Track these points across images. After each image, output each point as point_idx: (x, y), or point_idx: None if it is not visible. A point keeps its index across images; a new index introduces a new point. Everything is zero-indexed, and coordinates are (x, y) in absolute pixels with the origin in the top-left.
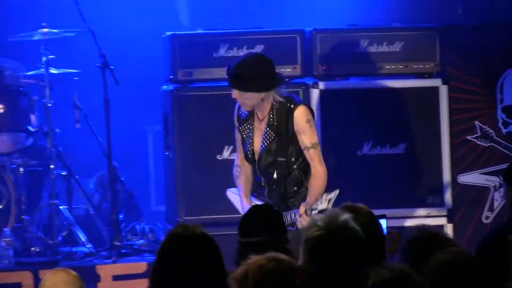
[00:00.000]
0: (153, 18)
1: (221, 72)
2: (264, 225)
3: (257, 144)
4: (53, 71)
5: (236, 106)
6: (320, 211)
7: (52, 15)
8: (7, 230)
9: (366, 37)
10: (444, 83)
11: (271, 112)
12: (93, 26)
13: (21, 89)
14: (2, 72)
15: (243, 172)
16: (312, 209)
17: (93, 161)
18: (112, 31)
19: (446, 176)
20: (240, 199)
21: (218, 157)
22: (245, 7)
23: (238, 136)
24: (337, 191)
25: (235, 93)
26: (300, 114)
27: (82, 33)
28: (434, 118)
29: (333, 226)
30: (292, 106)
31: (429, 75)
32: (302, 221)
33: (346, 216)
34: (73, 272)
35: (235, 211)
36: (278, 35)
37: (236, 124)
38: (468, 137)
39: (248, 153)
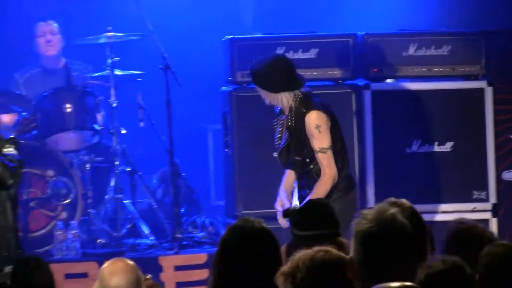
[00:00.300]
0: (213, 22)
1: None
2: (320, 219)
3: (280, 139)
4: (118, 72)
5: None
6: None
7: (117, 19)
8: (74, 223)
9: (415, 41)
10: (489, 85)
11: (289, 113)
12: (156, 30)
13: (88, 89)
14: (69, 73)
15: None
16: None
17: (156, 158)
18: (174, 35)
19: (491, 173)
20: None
21: (274, 154)
22: (300, 11)
23: None
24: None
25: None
26: (310, 120)
27: (145, 36)
28: (479, 118)
29: (382, 219)
30: (305, 110)
31: (475, 77)
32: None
33: (394, 210)
34: (130, 262)
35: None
36: (332, 39)
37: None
38: (511, 136)
39: (275, 145)
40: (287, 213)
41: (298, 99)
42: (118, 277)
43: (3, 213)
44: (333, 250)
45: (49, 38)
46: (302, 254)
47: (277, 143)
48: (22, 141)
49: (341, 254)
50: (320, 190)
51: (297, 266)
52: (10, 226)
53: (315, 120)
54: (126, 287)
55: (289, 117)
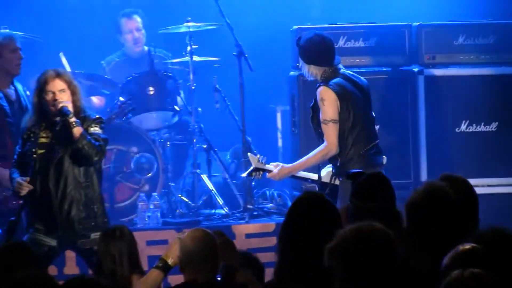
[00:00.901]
0: (281, 13)
1: (356, 60)
2: (381, 191)
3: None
4: (196, 58)
5: None
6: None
7: (196, 10)
8: (155, 195)
9: (464, 31)
10: None
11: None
12: (230, 20)
13: (169, 74)
14: (152, 60)
15: None
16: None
17: (230, 136)
18: (246, 25)
19: None
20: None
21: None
22: (359, 2)
23: None
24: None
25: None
26: (318, 93)
27: (221, 26)
28: None
29: (430, 192)
30: (318, 85)
31: None
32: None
33: (442, 184)
34: (207, 231)
35: None
36: (389, 29)
37: None
38: None
39: None
40: (350, 175)
41: (324, 75)
42: (197, 241)
43: (90, 186)
44: (376, 224)
45: (136, 36)
46: (347, 229)
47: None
48: (113, 115)
49: (383, 227)
50: (313, 155)
51: (342, 241)
52: (96, 197)
53: (320, 94)
54: (203, 250)
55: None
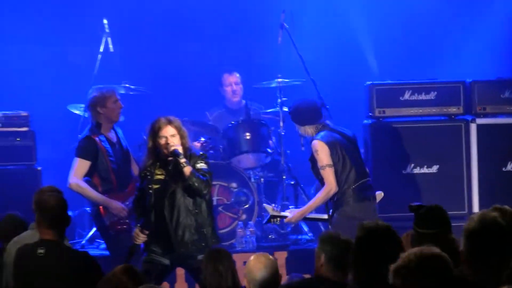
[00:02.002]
0: (355, 69)
1: (407, 111)
2: (439, 221)
3: None
4: (285, 109)
5: None
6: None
7: (285, 68)
8: (251, 223)
9: (510, 86)
10: None
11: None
12: (314, 76)
13: (262, 122)
14: (248, 110)
15: None
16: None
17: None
18: (327, 80)
19: None
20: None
21: (403, 171)
22: (418, 60)
23: None
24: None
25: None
26: (312, 146)
27: (306, 81)
28: None
29: (485, 220)
30: (311, 140)
31: None
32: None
33: (495, 213)
34: (270, 257)
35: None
36: (446, 85)
37: None
38: None
39: None
40: (413, 207)
41: (316, 131)
42: (262, 270)
43: (199, 213)
44: (434, 248)
45: (235, 89)
46: (408, 252)
47: None
48: (212, 161)
49: (440, 251)
50: (317, 197)
51: (405, 263)
52: (205, 222)
53: (314, 147)
54: (270, 276)
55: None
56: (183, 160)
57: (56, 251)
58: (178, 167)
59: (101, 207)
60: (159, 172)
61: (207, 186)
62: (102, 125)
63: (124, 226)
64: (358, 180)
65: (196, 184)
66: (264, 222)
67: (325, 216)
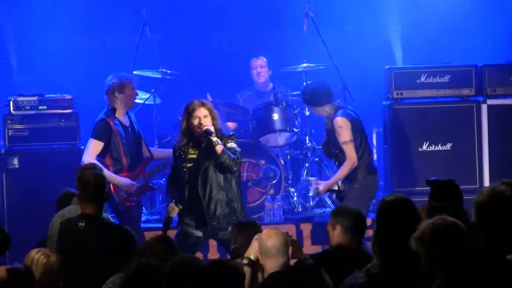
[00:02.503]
0: (374, 55)
1: (422, 93)
2: (452, 194)
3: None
4: None
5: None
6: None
7: (310, 54)
8: (279, 197)
9: None
10: None
11: (328, 119)
12: (336, 61)
13: (289, 103)
14: (276, 93)
15: None
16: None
17: None
18: (349, 64)
19: None
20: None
21: (419, 148)
22: (432, 45)
23: None
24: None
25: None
26: (335, 123)
27: (329, 66)
28: None
29: (494, 193)
30: (334, 116)
31: None
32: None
33: (504, 187)
34: (281, 230)
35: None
36: (459, 68)
37: None
38: None
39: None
40: (429, 182)
41: (334, 109)
42: (272, 239)
43: (230, 188)
44: (448, 217)
45: (259, 71)
46: (425, 222)
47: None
48: (242, 139)
49: (454, 219)
50: (343, 170)
51: (423, 232)
52: (235, 197)
53: (338, 123)
54: (279, 245)
55: (328, 121)
56: (215, 139)
57: (95, 224)
58: (211, 146)
59: (111, 185)
60: (192, 152)
61: (237, 163)
62: (117, 110)
63: (133, 203)
64: (369, 155)
65: (227, 162)
66: (310, 194)
67: (335, 187)
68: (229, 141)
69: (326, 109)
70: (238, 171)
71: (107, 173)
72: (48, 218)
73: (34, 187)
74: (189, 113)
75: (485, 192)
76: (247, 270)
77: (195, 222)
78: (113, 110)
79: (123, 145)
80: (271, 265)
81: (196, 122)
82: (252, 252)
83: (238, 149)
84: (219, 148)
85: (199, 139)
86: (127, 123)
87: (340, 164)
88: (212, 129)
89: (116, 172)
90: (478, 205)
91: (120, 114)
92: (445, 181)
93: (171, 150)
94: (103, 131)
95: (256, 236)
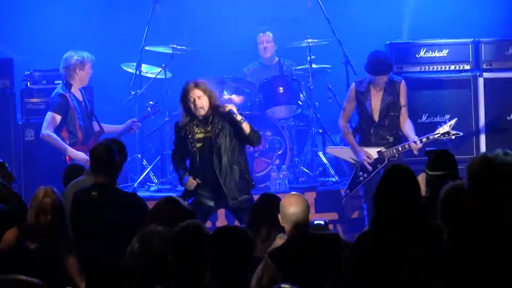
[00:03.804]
0: (379, 29)
1: (422, 67)
2: (446, 163)
3: (376, 105)
4: (314, 66)
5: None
6: (443, 134)
7: (314, 29)
8: (284, 167)
9: None
10: None
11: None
12: (339, 36)
13: (294, 77)
14: (281, 67)
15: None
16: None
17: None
18: (351, 39)
19: None
20: (353, 148)
21: (418, 120)
22: (432, 21)
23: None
24: (455, 119)
25: (386, 77)
26: (403, 86)
27: (333, 41)
28: None
29: (485, 162)
30: (401, 80)
31: None
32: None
33: (495, 156)
34: (300, 194)
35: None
36: (457, 44)
37: (354, 94)
38: None
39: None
40: (426, 153)
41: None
42: (293, 206)
43: (242, 162)
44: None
45: (266, 45)
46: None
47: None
48: (247, 112)
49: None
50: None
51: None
52: (246, 169)
53: (405, 86)
54: (300, 212)
55: (385, 86)
56: (239, 118)
57: (108, 193)
58: (236, 124)
59: (67, 156)
60: (198, 131)
61: (260, 138)
62: (73, 85)
63: None
64: None
65: (256, 135)
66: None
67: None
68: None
69: (384, 77)
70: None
71: (64, 146)
72: (60, 190)
73: (50, 158)
74: (184, 94)
75: (476, 160)
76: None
77: (208, 192)
78: (68, 85)
79: (78, 119)
80: (291, 230)
81: (191, 103)
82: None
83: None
84: (246, 125)
85: (200, 118)
86: (80, 98)
87: (391, 125)
88: (234, 109)
89: (71, 145)
90: (470, 172)
91: (75, 90)
92: (439, 151)
93: (119, 125)
94: (61, 105)
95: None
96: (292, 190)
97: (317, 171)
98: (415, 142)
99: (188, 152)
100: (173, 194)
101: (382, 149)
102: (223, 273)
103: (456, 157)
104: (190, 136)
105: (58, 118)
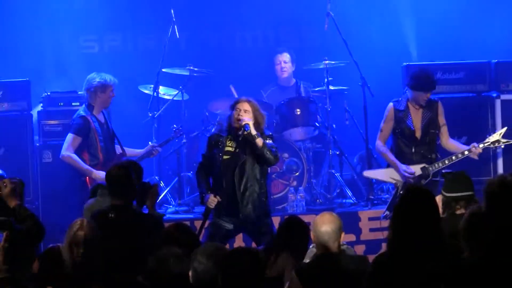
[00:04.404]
0: (394, 51)
1: (439, 88)
2: (465, 184)
3: (417, 123)
4: (331, 87)
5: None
6: (493, 142)
7: (331, 51)
8: (301, 189)
9: None
10: None
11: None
12: (356, 58)
13: (311, 99)
14: (299, 88)
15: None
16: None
17: (356, 145)
18: (368, 61)
19: None
20: (395, 166)
21: (437, 142)
22: (447, 42)
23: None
24: (505, 128)
25: (429, 95)
26: (441, 106)
27: (350, 63)
28: None
29: (502, 183)
30: (437, 100)
31: None
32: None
33: (510, 176)
34: (334, 214)
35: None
36: (474, 65)
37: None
38: None
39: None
40: (443, 175)
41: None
42: (326, 225)
43: (263, 182)
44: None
45: (283, 66)
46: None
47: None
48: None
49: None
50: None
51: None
52: (265, 191)
53: (442, 106)
54: (332, 232)
55: (425, 104)
56: (254, 133)
57: (125, 214)
58: (249, 139)
59: (87, 178)
60: (229, 144)
61: (276, 157)
62: (95, 107)
63: None
64: None
65: (268, 154)
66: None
67: None
68: (267, 138)
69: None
70: (276, 164)
71: (84, 167)
72: (80, 211)
73: (67, 180)
74: (233, 104)
75: (493, 181)
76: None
77: (227, 212)
78: (90, 107)
79: (99, 141)
80: (322, 250)
81: (236, 113)
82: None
83: (274, 145)
84: (259, 141)
85: (237, 131)
86: (102, 120)
87: (432, 142)
88: (250, 124)
89: (93, 166)
90: (488, 194)
91: (97, 112)
92: (455, 172)
93: (140, 149)
94: (81, 127)
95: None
96: (309, 212)
97: (334, 193)
98: (474, 147)
99: (214, 166)
100: (191, 216)
101: (425, 164)
102: None
103: (473, 179)
104: (221, 147)
105: (78, 139)
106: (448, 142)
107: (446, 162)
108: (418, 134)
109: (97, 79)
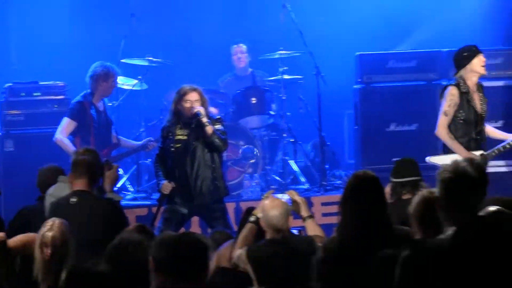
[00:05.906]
0: (347, 41)
1: (391, 77)
2: (411, 169)
3: (480, 105)
4: (286, 77)
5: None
6: None
7: (286, 42)
8: (256, 175)
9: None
10: None
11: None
12: (311, 48)
13: (266, 88)
14: (254, 78)
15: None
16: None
17: (310, 132)
18: (322, 51)
19: None
20: (462, 153)
21: (386, 129)
22: (399, 31)
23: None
24: None
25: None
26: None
27: (304, 53)
28: None
29: (457, 170)
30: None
31: None
32: None
33: (465, 163)
34: (282, 200)
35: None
36: (426, 54)
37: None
38: None
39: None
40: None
41: None
42: (274, 209)
43: (215, 167)
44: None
45: (239, 56)
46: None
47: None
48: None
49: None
50: None
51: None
52: (219, 175)
53: None
54: (280, 215)
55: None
56: (205, 120)
57: (87, 199)
58: (201, 127)
59: None
60: (180, 133)
61: (225, 143)
62: (95, 95)
63: None
64: None
65: (217, 141)
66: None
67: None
68: (216, 123)
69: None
70: (225, 150)
71: (73, 150)
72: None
73: (29, 169)
74: (180, 96)
75: (448, 168)
76: (252, 227)
77: (182, 199)
78: (91, 94)
79: (93, 128)
80: (272, 234)
81: (187, 105)
82: (259, 210)
83: (224, 130)
84: (209, 128)
85: (189, 120)
86: (101, 108)
87: (480, 127)
88: (202, 111)
89: None
90: (442, 180)
91: (96, 100)
92: (402, 159)
93: (136, 142)
94: (77, 112)
95: (265, 194)
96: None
97: (288, 179)
98: None
99: (168, 156)
100: (148, 203)
101: (483, 152)
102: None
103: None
104: (171, 137)
105: (73, 124)
106: (488, 128)
107: (501, 149)
108: (481, 118)
109: (101, 68)
